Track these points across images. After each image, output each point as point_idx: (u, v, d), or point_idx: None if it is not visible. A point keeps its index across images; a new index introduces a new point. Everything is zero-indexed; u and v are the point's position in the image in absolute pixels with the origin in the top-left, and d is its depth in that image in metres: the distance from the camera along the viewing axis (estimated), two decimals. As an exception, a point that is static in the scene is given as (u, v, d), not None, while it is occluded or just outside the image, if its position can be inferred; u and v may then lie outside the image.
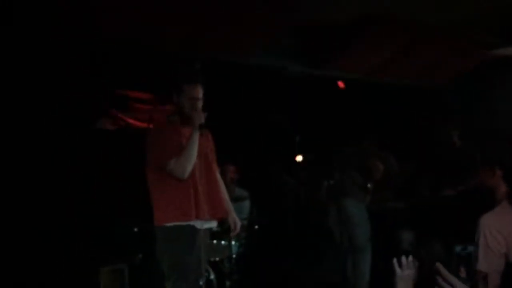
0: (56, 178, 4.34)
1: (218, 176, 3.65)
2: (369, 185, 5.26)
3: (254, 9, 4.22)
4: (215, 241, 5.03)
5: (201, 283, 3.50)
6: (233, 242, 5.02)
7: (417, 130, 6.34)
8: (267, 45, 4.81)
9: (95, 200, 4.52)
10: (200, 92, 3.38)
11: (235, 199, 5.57)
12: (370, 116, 5.79)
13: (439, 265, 1.56)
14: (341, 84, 5.83)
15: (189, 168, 3.23)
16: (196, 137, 3.26)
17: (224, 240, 5.03)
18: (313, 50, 5.01)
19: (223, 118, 5.97)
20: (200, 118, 3.29)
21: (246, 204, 5.69)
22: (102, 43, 4.25)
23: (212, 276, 4.70)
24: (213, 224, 3.51)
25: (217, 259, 4.93)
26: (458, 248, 1.55)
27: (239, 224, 3.63)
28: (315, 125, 5.85)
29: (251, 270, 5.02)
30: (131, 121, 5.18)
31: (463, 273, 1.54)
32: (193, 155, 3.24)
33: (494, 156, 2.71)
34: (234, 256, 4.98)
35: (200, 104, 3.37)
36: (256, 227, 5.18)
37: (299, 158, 5.31)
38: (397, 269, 1.79)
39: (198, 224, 3.32)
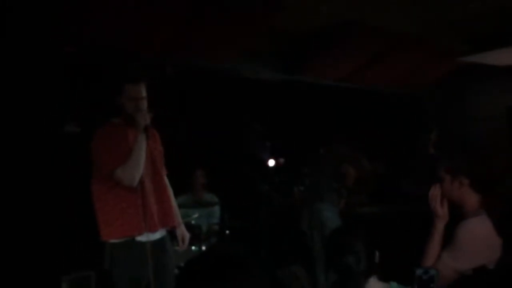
0: (21, 181, 4.22)
1: (167, 181, 3.43)
2: (343, 191, 5.28)
3: (229, 15, 4.17)
4: (185, 247, 4.99)
5: None
6: (203, 248, 4.99)
7: (392, 137, 6.39)
8: (242, 51, 4.77)
9: (58, 204, 4.38)
10: (142, 91, 3.17)
11: (205, 204, 5.55)
12: (344, 121, 5.81)
13: None
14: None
15: (138, 175, 3.02)
16: (142, 140, 3.04)
17: (194, 245, 4.99)
18: (287, 56, 5.00)
19: (195, 123, 5.95)
20: (145, 119, 3.06)
21: (216, 209, 5.66)
22: (76, 47, 4.14)
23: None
24: (162, 235, 3.27)
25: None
26: (419, 271, 1.55)
27: (187, 237, 3.44)
28: (288, 131, 5.84)
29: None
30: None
31: None
32: (141, 161, 3.02)
33: (460, 165, 2.63)
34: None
35: (144, 104, 3.15)
36: (227, 232, 5.13)
37: (271, 163, 5.27)
38: None
39: (146, 237, 3.08)
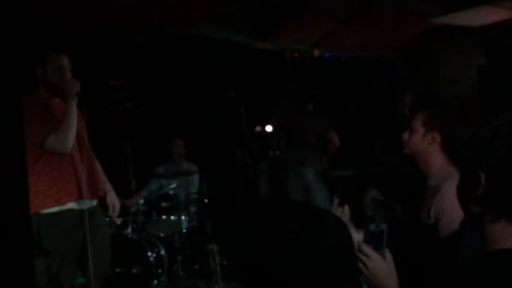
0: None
1: (92, 153, 3.41)
2: (325, 157, 5.39)
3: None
4: (164, 217, 5.01)
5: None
6: (182, 217, 5.01)
7: (365, 99, 6.43)
8: (212, 15, 4.73)
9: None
10: (67, 61, 3.17)
11: (184, 174, 5.57)
12: (316, 86, 5.82)
13: (359, 242, 1.60)
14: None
15: (71, 142, 3.04)
16: (73, 106, 3.03)
17: (173, 215, 5.01)
18: (257, 21, 4.96)
19: (169, 92, 5.91)
20: (75, 86, 3.05)
21: (195, 178, 5.68)
22: (36, 15, 4.03)
23: (162, 252, 4.69)
24: (93, 203, 3.30)
25: (166, 234, 4.92)
26: (372, 226, 1.58)
27: (118, 205, 3.47)
28: (262, 97, 5.84)
29: (202, 244, 5.02)
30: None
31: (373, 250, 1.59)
32: (73, 127, 3.03)
33: (437, 120, 2.52)
34: (184, 230, 4.98)
35: (69, 73, 3.15)
36: (206, 200, 5.16)
37: (246, 130, 5.29)
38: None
39: (79, 204, 3.15)
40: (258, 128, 5.76)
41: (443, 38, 6.01)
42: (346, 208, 2.13)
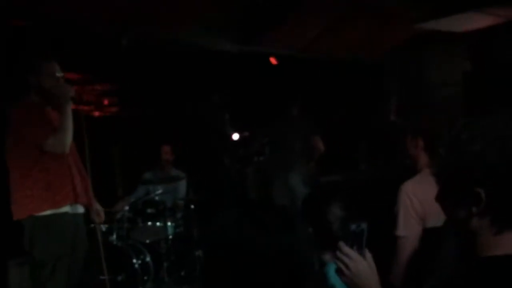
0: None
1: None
2: (312, 164, 5.39)
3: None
4: (149, 223, 4.97)
5: None
6: (168, 223, 4.97)
7: (351, 104, 6.43)
8: (198, 21, 4.72)
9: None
10: (59, 68, 3.21)
11: (171, 180, 5.52)
12: (302, 91, 5.81)
13: (340, 243, 1.58)
14: (273, 60, 5.82)
15: (69, 142, 3.07)
16: (69, 110, 3.07)
17: (159, 221, 4.96)
18: (243, 27, 4.96)
19: (157, 98, 5.88)
20: (69, 91, 3.10)
21: (183, 184, 5.65)
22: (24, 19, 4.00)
23: (148, 258, 4.64)
24: (83, 210, 3.34)
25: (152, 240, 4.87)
26: (353, 226, 1.57)
27: (102, 212, 3.52)
28: (249, 103, 5.83)
29: (188, 250, 4.98)
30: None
31: (355, 250, 1.56)
32: (70, 128, 3.08)
33: (417, 127, 2.72)
34: (170, 237, 4.94)
35: (62, 79, 3.20)
36: (192, 206, 5.12)
37: (235, 137, 5.28)
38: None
39: (74, 208, 3.20)
40: (244, 134, 5.75)
41: (430, 44, 6.05)
42: (310, 229, 2.07)
